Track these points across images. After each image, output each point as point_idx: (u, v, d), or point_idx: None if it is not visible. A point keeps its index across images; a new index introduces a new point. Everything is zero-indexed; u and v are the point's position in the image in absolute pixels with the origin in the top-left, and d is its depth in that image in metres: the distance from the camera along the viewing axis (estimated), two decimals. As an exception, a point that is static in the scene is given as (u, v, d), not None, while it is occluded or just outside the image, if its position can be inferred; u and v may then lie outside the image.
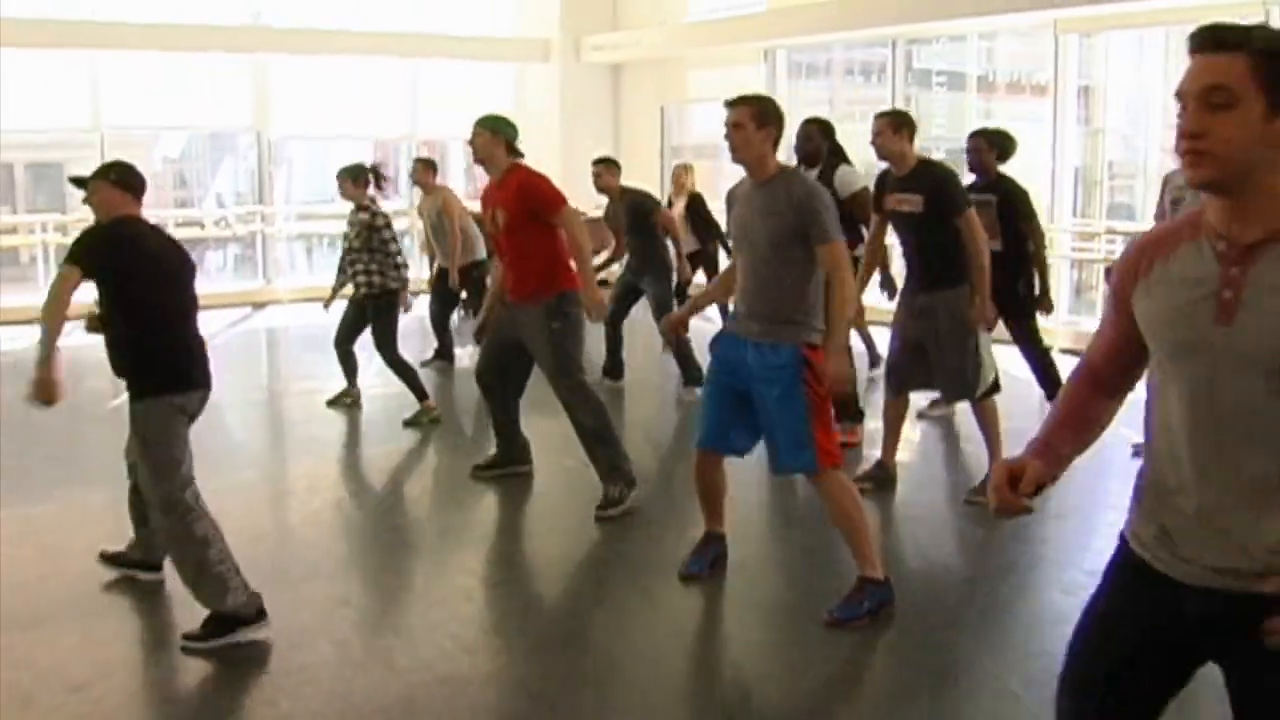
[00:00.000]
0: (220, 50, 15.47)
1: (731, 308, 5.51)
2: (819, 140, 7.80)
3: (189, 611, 5.11)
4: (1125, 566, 2.46)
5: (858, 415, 7.95)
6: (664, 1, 16.75)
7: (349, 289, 8.97)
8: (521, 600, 5.70)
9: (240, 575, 4.87)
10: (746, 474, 6.35)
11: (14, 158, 16.33)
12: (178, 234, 15.36)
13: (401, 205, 16.06)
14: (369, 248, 8.69)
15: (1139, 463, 2.45)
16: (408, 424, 8.72)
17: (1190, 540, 2.27)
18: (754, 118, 5.01)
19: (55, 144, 16.63)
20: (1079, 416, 2.59)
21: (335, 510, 6.98)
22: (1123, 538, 2.47)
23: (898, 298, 7.05)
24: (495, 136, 6.59)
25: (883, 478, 6.94)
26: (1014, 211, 7.70)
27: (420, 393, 8.82)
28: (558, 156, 15.38)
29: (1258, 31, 2.15)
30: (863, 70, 15.93)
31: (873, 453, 7.32)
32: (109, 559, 5.64)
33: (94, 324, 5.03)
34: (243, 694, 4.50)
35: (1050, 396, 8.01)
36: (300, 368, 12.42)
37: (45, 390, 4.72)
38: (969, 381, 6.55)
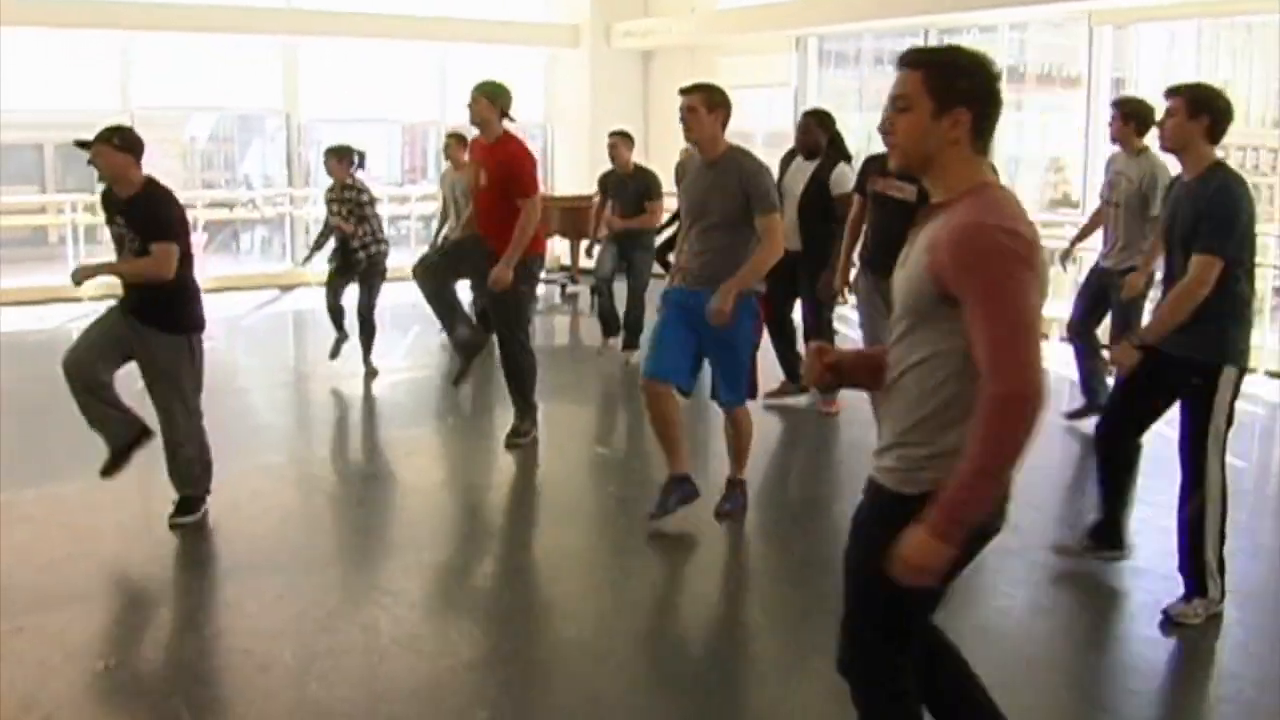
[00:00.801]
0: (250, 32, 15.44)
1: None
2: (816, 133, 8.02)
3: (220, 593, 5.14)
4: None
5: (834, 387, 7.97)
6: (695, -12, 16.68)
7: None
8: (549, 585, 5.70)
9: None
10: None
11: (44, 138, 16.36)
12: (205, 215, 15.63)
13: (430, 190, 16.04)
14: (359, 221, 9.44)
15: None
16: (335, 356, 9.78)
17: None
18: (704, 103, 5.77)
19: (85, 125, 16.52)
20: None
21: (363, 493, 6.99)
22: None
23: (858, 279, 7.39)
24: (492, 103, 7.23)
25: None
26: None
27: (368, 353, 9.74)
28: (586, 142, 15.32)
29: (935, 53, 2.93)
30: (893, 60, 15.78)
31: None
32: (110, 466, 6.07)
33: (83, 275, 5.87)
34: (270, 676, 4.49)
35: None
36: (328, 350, 12.42)
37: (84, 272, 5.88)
38: None
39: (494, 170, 7.23)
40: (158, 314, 5.79)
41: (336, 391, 9.61)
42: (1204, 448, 4.84)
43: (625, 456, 7.80)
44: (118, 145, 5.67)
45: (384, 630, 4.93)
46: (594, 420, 6.91)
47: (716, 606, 5.47)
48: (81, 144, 5.73)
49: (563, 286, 14.58)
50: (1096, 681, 4.58)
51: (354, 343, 9.66)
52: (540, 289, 14.79)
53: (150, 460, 6.27)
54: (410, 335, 11.06)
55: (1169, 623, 4.92)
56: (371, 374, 9.67)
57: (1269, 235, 11.41)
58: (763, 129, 16.09)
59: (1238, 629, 4.96)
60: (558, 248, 16.00)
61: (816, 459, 7.87)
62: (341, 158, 9.52)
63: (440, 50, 16.99)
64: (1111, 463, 5.46)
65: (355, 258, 9.53)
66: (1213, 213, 4.68)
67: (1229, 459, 4.91)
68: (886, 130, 2.88)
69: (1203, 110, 4.75)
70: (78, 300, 12.88)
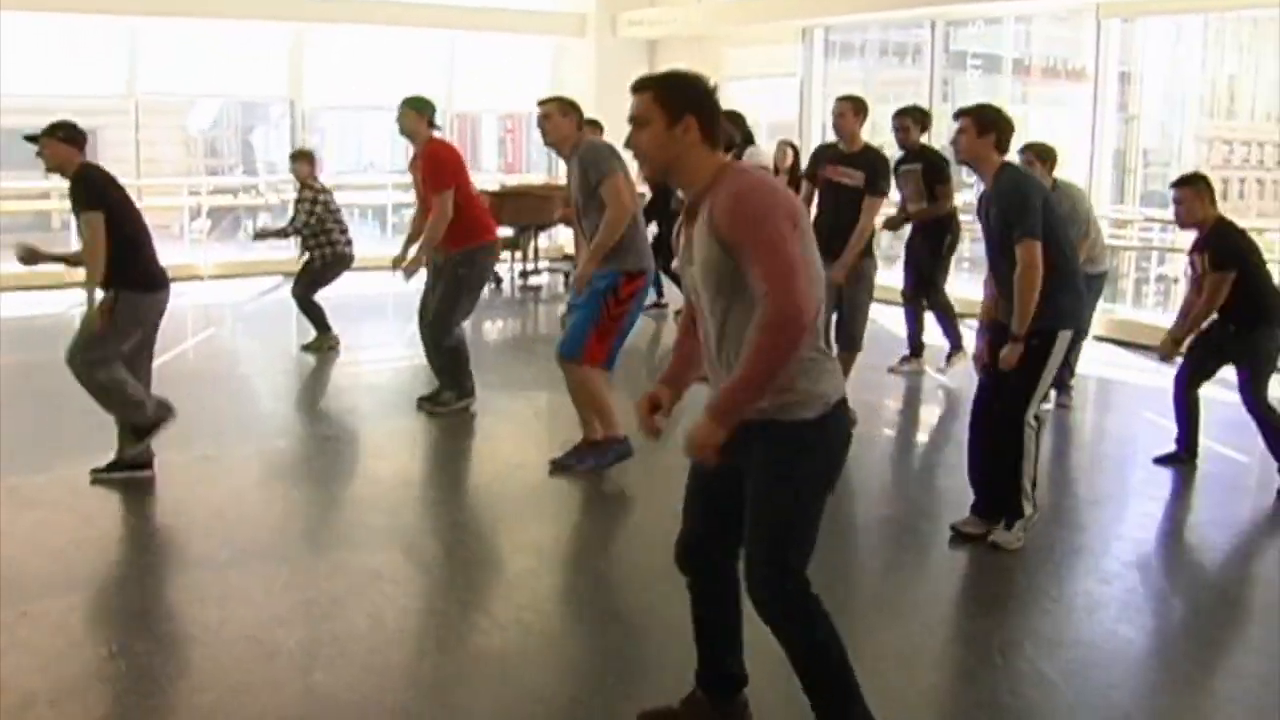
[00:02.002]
0: (256, 18, 15.42)
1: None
2: (729, 130, 8.12)
3: (226, 579, 5.15)
4: None
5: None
6: (702, -22, 16.66)
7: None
8: (556, 577, 5.71)
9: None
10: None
11: (48, 122, 16.34)
12: (209, 202, 15.63)
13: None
14: (323, 219, 10.33)
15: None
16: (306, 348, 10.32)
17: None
18: (559, 110, 6.68)
19: (89, 110, 16.58)
20: (689, 354, 3.68)
21: (367, 480, 7.00)
22: None
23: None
24: (420, 115, 7.93)
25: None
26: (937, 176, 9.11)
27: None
28: (592, 132, 15.28)
29: (662, 76, 3.54)
30: (897, 51, 15.83)
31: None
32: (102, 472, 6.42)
33: (28, 257, 6.61)
34: (275, 664, 4.50)
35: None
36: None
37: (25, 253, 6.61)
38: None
39: (424, 172, 7.95)
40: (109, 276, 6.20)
41: (340, 378, 9.62)
42: (1027, 399, 5.48)
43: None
44: (62, 138, 6.22)
45: (389, 619, 4.93)
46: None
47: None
48: (30, 138, 6.27)
49: (566, 275, 14.61)
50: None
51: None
52: (543, 278, 15.00)
53: (158, 446, 6.30)
54: (414, 323, 11.07)
55: (995, 549, 5.60)
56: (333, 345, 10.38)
57: (1274, 232, 11.43)
58: (768, 119, 16.08)
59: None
60: (561, 236, 16.04)
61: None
62: (312, 161, 10.63)
63: (447, 38, 16.97)
64: (994, 441, 5.70)
65: (313, 257, 10.45)
66: (1010, 203, 5.35)
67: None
68: (631, 146, 3.45)
69: (990, 128, 5.42)
70: (80, 285, 12.91)
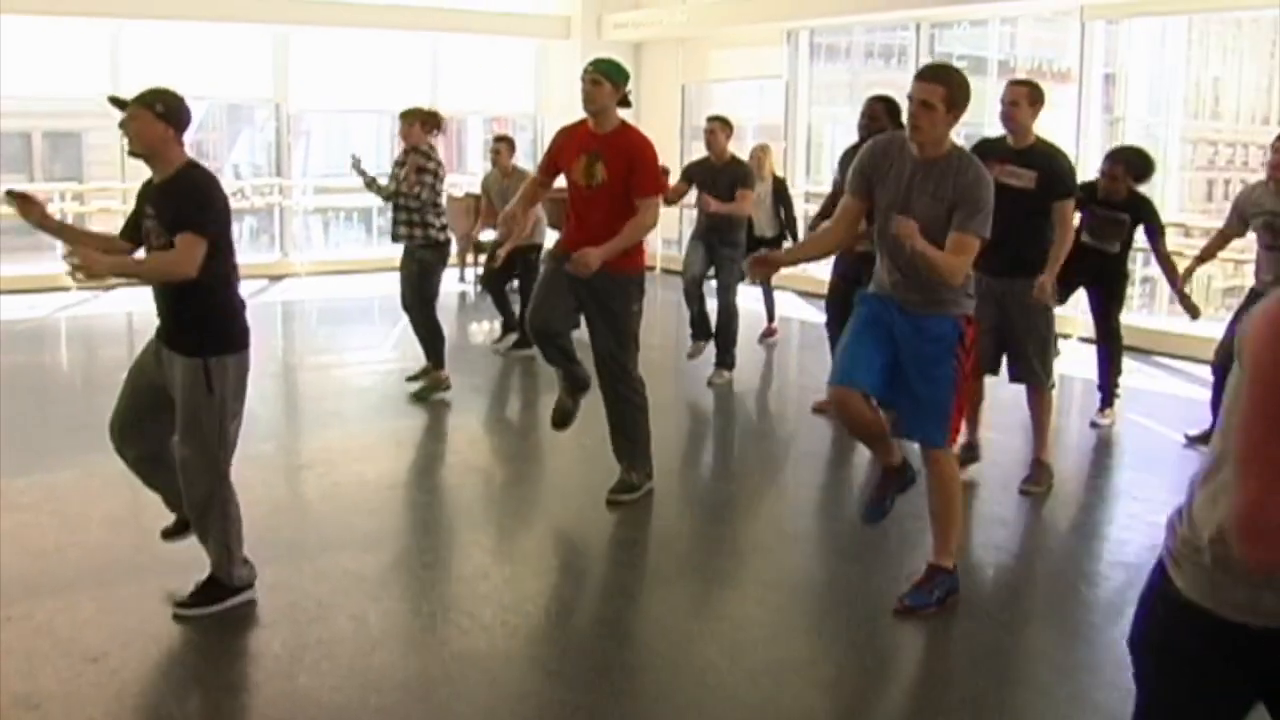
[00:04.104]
0: (241, 21, 15.40)
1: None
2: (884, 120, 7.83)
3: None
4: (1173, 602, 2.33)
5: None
6: (686, -20, 16.68)
7: None
8: (540, 579, 5.70)
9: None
10: (762, 453, 6.32)
11: (31, 126, 16.28)
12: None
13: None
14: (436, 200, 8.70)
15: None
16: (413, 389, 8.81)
17: None
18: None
19: (73, 113, 16.57)
20: None
21: (353, 485, 6.98)
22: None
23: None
24: (616, 89, 6.18)
25: (968, 457, 6.86)
26: None
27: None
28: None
29: None
30: (883, 53, 15.85)
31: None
32: (171, 533, 5.32)
33: (23, 207, 4.83)
34: (260, 667, 4.50)
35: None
36: (316, 341, 12.43)
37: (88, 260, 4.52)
38: None
39: (618, 165, 6.15)
40: (180, 333, 4.75)
41: (325, 382, 9.60)
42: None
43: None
44: (159, 113, 4.58)
45: (374, 622, 4.92)
46: (589, 412, 6.89)
47: (724, 611, 5.46)
48: (117, 102, 4.68)
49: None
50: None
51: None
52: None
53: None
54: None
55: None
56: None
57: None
58: (754, 121, 16.09)
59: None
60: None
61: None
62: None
63: (432, 40, 16.96)
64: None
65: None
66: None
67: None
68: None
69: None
70: (67, 289, 12.87)
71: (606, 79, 6.11)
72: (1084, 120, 12.20)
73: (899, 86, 13.17)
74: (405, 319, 8.96)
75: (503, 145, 10.81)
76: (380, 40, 16.74)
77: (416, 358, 8.99)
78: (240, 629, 4.78)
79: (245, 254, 14.91)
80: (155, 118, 4.57)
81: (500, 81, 18.08)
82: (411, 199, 8.47)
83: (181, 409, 4.71)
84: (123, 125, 4.59)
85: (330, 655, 4.55)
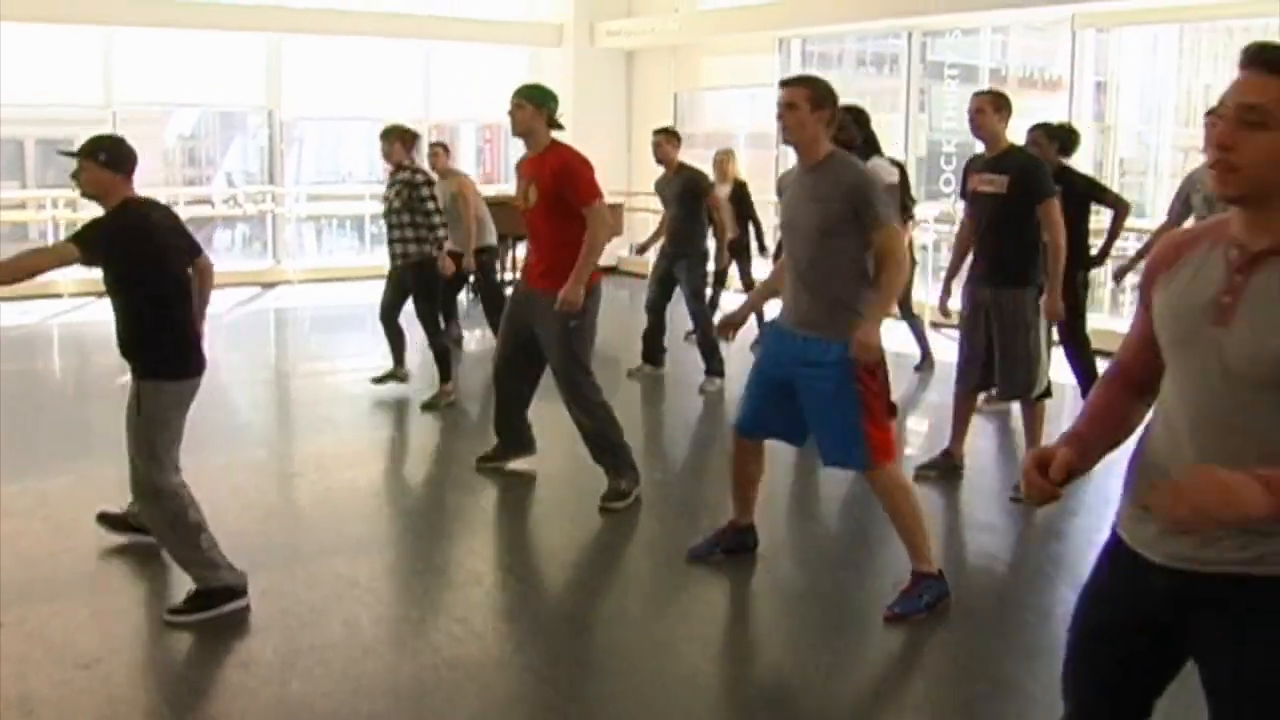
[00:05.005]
0: (234, 28, 15.43)
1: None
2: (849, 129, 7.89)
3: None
4: (1113, 550, 2.59)
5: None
6: (679, -12, 16.72)
7: None
8: (531, 585, 5.70)
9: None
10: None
11: (25, 133, 16.31)
12: (187, 213, 15.58)
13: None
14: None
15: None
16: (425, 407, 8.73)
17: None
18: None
19: (66, 120, 16.58)
20: (1108, 412, 2.60)
21: (345, 491, 6.98)
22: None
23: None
24: (539, 110, 6.40)
25: (947, 466, 6.97)
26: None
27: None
28: (570, 142, 15.30)
29: None
30: (875, 61, 15.89)
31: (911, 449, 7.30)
32: (108, 521, 5.71)
33: None
34: (252, 673, 4.49)
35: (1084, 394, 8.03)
36: (308, 348, 12.44)
37: None
38: None
39: (547, 184, 6.41)
40: (123, 351, 4.99)
41: (317, 389, 9.60)
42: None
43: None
44: (103, 161, 4.83)
45: (366, 628, 4.93)
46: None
47: (714, 617, 5.47)
48: (67, 154, 5.00)
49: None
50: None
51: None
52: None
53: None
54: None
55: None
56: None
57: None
58: (745, 129, 16.13)
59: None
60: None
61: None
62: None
63: (424, 48, 16.99)
64: None
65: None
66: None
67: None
68: (1224, 146, 2.14)
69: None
70: (58, 296, 12.87)
71: (528, 101, 6.37)
72: (1076, 128, 12.21)
73: (891, 94, 13.28)
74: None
75: (439, 148, 10.82)
76: (373, 48, 16.77)
77: (409, 365, 9.02)
78: (232, 635, 4.78)
79: (237, 261, 15.05)
80: (100, 166, 4.85)
81: (493, 89, 18.10)
82: (417, 215, 8.67)
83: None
84: (74, 176, 4.90)
85: (323, 661, 4.55)
